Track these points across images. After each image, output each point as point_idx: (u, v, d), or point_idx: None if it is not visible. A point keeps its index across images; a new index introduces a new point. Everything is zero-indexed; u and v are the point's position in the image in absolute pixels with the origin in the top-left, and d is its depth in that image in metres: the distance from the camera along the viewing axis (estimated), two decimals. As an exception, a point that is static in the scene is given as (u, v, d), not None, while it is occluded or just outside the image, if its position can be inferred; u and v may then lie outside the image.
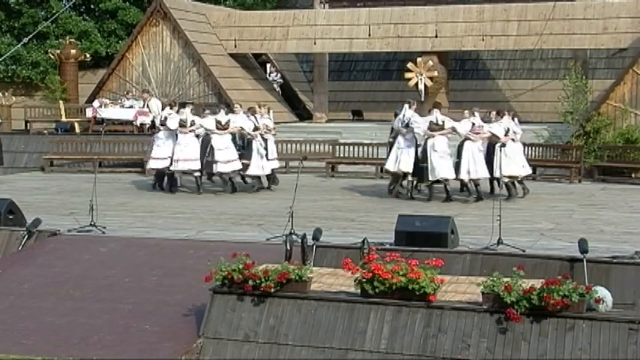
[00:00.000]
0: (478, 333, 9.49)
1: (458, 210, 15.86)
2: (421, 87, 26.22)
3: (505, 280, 9.51)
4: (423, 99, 25.93)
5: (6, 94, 28.76)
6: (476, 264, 11.43)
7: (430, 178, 17.30)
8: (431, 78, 26.16)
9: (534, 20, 25.48)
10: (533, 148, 21.96)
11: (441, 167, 17.15)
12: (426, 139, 17.33)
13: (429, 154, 17.23)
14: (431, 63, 26.12)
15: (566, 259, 11.11)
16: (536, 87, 29.02)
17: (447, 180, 17.26)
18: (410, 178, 17.72)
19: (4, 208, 13.92)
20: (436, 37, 26.45)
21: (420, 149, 17.50)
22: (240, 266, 10.29)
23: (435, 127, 17.30)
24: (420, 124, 17.40)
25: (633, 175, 21.29)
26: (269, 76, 31.66)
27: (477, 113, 17.58)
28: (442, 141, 17.32)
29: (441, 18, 26.46)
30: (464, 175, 17.27)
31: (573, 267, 10.86)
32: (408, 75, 26.51)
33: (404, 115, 17.57)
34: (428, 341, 9.60)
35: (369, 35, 27.27)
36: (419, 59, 26.34)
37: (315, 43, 27.89)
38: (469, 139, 17.23)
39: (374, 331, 9.79)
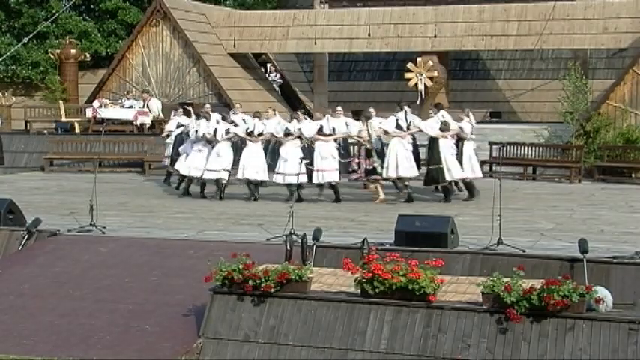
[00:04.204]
0: (478, 333, 9.49)
1: (458, 210, 15.86)
2: (421, 87, 26.19)
3: (505, 280, 9.51)
4: (422, 99, 25.96)
5: (6, 94, 28.77)
6: (476, 264, 11.43)
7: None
8: (431, 78, 26.13)
9: (534, 20, 25.44)
10: (533, 148, 21.96)
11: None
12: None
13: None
14: (431, 63, 26.09)
15: (566, 259, 11.11)
16: (536, 87, 28.98)
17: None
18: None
19: (4, 208, 13.93)
20: (436, 37, 26.42)
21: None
22: (240, 266, 10.29)
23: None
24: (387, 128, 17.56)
25: (633, 175, 21.27)
26: (269, 76, 31.64)
27: (471, 114, 17.88)
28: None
29: (441, 18, 26.44)
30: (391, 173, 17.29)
31: (573, 267, 10.86)
32: (408, 75, 26.48)
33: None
34: (428, 341, 9.60)
35: (369, 35, 27.25)
36: (419, 59, 26.31)
37: (315, 43, 27.87)
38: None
39: (374, 331, 9.79)
